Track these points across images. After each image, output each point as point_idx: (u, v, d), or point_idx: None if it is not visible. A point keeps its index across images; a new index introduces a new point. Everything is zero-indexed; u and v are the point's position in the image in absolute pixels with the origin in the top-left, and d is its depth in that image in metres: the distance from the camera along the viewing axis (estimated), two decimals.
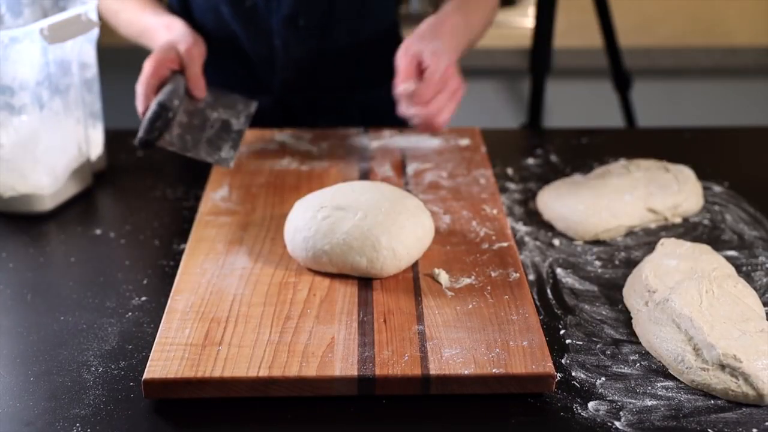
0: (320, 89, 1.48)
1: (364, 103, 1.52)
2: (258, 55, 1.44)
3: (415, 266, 1.04)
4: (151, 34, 1.35)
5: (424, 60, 1.17)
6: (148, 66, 1.23)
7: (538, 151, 1.41)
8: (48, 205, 1.21)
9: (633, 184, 1.20)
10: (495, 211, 1.16)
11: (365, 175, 1.26)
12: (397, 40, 1.52)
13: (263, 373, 0.86)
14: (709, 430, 0.84)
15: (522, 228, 1.18)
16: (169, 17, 1.36)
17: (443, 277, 1.01)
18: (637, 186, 1.20)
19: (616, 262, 1.11)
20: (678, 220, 1.20)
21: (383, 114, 1.44)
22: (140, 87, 1.22)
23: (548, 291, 1.05)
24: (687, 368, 0.89)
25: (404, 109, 1.16)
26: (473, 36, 1.37)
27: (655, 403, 0.87)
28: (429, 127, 1.17)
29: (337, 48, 1.45)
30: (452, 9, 1.31)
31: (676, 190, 1.21)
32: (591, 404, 0.87)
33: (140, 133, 1.17)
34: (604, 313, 1.01)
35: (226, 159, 1.17)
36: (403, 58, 1.18)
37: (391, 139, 1.37)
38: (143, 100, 1.22)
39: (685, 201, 1.20)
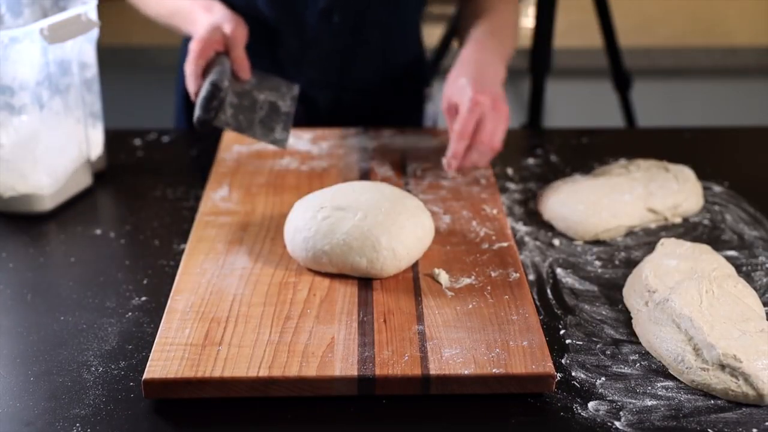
0: (346, 87, 1.49)
1: (387, 105, 1.52)
2: (288, 48, 1.44)
3: (415, 266, 1.04)
4: (189, 15, 1.34)
5: (454, 103, 1.21)
6: (195, 47, 1.23)
7: (538, 151, 1.41)
8: (48, 205, 1.21)
9: (633, 184, 1.20)
10: (495, 211, 1.16)
11: (365, 175, 1.26)
12: (419, 41, 1.55)
13: (263, 373, 0.86)
14: (709, 430, 0.84)
15: (522, 228, 1.18)
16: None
17: (443, 277, 1.01)
18: (637, 186, 1.20)
19: (616, 262, 1.11)
20: (678, 220, 1.20)
21: (406, 117, 1.45)
22: (189, 67, 1.22)
23: (548, 291, 1.05)
24: (687, 368, 0.89)
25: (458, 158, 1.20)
26: (506, 55, 1.37)
27: (655, 403, 0.87)
28: (486, 153, 1.20)
29: (367, 46, 1.46)
30: (473, 46, 1.31)
31: (676, 190, 1.21)
32: (591, 404, 0.87)
33: (197, 113, 1.15)
34: (604, 313, 1.01)
35: (281, 140, 1.18)
36: (447, 115, 1.23)
37: (391, 139, 1.37)
38: (194, 80, 1.22)
39: (685, 201, 1.20)
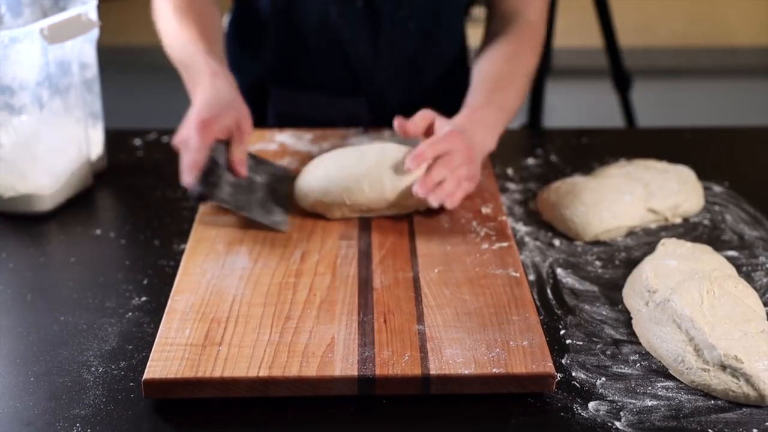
0: (417, 89, 1.48)
1: (450, 111, 1.52)
2: (360, 55, 1.43)
3: (415, 266, 1.04)
4: (196, 74, 1.24)
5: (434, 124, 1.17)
6: (197, 136, 1.12)
7: (538, 151, 1.41)
8: (48, 205, 1.21)
9: (633, 184, 1.20)
10: (495, 211, 1.16)
11: None
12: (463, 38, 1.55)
13: (263, 373, 0.86)
14: (709, 430, 0.84)
15: (522, 228, 1.18)
16: (217, 64, 1.24)
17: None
18: (637, 186, 1.20)
19: (616, 262, 1.11)
20: (678, 220, 1.20)
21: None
22: (192, 157, 1.11)
23: (548, 291, 1.05)
24: (687, 368, 0.89)
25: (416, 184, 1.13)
26: (507, 115, 1.29)
27: (655, 403, 0.87)
28: (434, 198, 1.11)
29: (438, 48, 1.46)
30: (482, 98, 1.26)
31: (677, 190, 1.21)
32: (591, 404, 0.87)
33: (195, 187, 1.09)
34: (604, 313, 1.01)
35: (281, 222, 1.13)
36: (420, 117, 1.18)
37: (391, 139, 1.37)
38: (194, 171, 1.11)
39: (686, 201, 1.20)
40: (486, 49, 1.36)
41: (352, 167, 1.14)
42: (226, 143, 1.16)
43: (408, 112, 1.51)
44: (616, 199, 1.17)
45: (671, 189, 1.20)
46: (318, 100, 1.46)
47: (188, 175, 1.10)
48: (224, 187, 1.13)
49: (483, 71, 1.31)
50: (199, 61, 1.24)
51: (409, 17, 1.41)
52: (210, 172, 1.11)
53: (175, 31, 1.31)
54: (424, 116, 1.19)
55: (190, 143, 1.12)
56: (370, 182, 1.12)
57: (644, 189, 1.20)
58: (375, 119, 1.45)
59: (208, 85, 1.20)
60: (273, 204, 1.16)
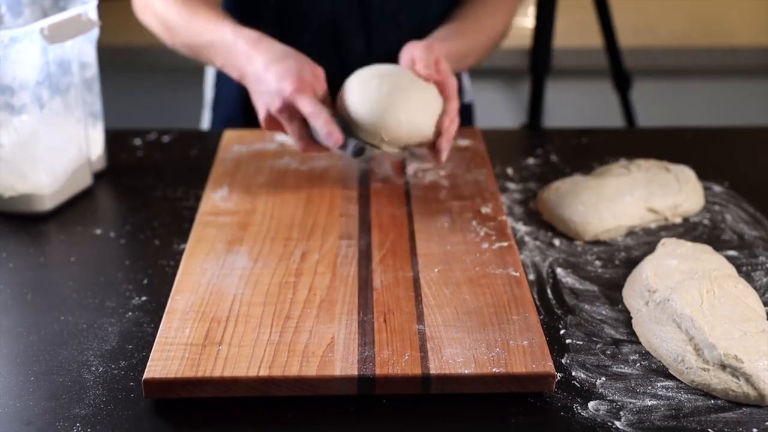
0: None
1: None
2: (353, 50, 1.44)
3: (415, 266, 1.04)
4: (232, 48, 1.23)
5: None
6: (305, 98, 1.13)
7: (538, 151, 1.41)
8: (48, 205, 1.21)
9: (633, 184, 1.20)
10: (495, 211, 1.16)
11: (365, 176, 1.26)
12: None
13: (263, 372, 0.86)
14: (709, 430, 0.84)
15: (522, 228, 1.18)
16: (251, 31, 1.24)
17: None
18: (637, 186, 1.20)
19: (616, 262, 1.11)
20: (678, 220, 1.20)
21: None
22: (319, 120, 1.12)
23: (548, 291, 1.05)
24: (687, 368, 0.89)
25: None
26: (463, 64, 1.37)
27: (655, 402, 0.87)
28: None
29: None
30: (445, 36, 1.32)
31: (677, 190, 1.21)
32: (591, 404, 0.87)
33: (349, 143, 1.13)
34: (604, 312, 1.01)
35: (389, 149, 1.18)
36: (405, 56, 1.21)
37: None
38: (331, 126, 1.13)
39: (686, 201, 1.20)
40: (460, 5, 1.40)
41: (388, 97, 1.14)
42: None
43: None
44: (616, 199, 1.17)
45: (671, 189, 1.20)
46: None
47: (334, 134, 1.12)
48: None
49: (448, 21, 1.37)
50: (226, 35, 1.24)
51: (399, 10, 1.41)
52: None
53: (190, 15, 1.31)
54: (428, 60, 1.20)
55: (305, 108, 1.12)
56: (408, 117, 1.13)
57: (644, 189, 1.20)
58: None
59: (262, 50, 1.20)
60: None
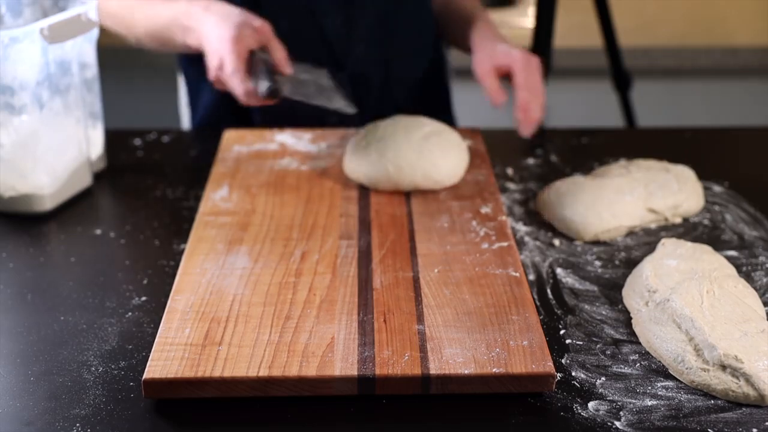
0: (392, 59, 1.51)
1: (434, 82, 1.59)
2: (335, 28, 1.44)
3: (415, 266, 1.04)
4: (188, 19, 1.28)
5: (503, 66, 1.30)
6: (230, 47, 1.19)
7: (538, 151, 1.41)
8: (48, 205, 1.21)
9: (633, 184, 1.20)
10: (495, 211, 1.16)
11: None
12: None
13: (263, 373, 0.86)
14: (709, 430, 0.84)
15: (522, 228, 1.18)
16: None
17: None
18: (637, 186, 1.20)
19: (616, 262, 1.11)
20: (678, 220, 1.20)
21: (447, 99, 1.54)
22: (232, 69, 1.19)
23: (548, 291, 1.05)
24: (687, 368, 0.89)
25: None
26: None
27: (655, 403, 0.87)
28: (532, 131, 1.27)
29: (408, 18, 1.50)
30: (483, 19, 1.41)
31: (677, 190, 1.21)
32: (591, 404, 0.87)
33: (267, 84, 1.18)
34: (604, 313, 1.01)
35: (347, 105, 1.22)
36: (487, 78, 1.30)
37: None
38: (242, 80, 1.20)
39: (686, 201, 1.20)
40: None
41: (397, 155, 1.19)
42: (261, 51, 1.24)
43: (390, 83, 1.54)
44: (616, 199, 1.17)
45: (671, 189, 1.20)
46: None
47: (242, 82, 1.19)
48: (286, 85, 1.20)
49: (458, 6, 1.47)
50: (180, 7, 1.30)
51: None
52: (272, 72, 1.19)
53: (134, 7, 1.36)
54: (488, 74, 1.30)
55: (226, 67, 1.19)
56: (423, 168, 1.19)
57: (644, 189, 1.20)
58: (358, 96, 1.44)
59: (210, 14, 1.26)
60: (329, 93, 1.21)
